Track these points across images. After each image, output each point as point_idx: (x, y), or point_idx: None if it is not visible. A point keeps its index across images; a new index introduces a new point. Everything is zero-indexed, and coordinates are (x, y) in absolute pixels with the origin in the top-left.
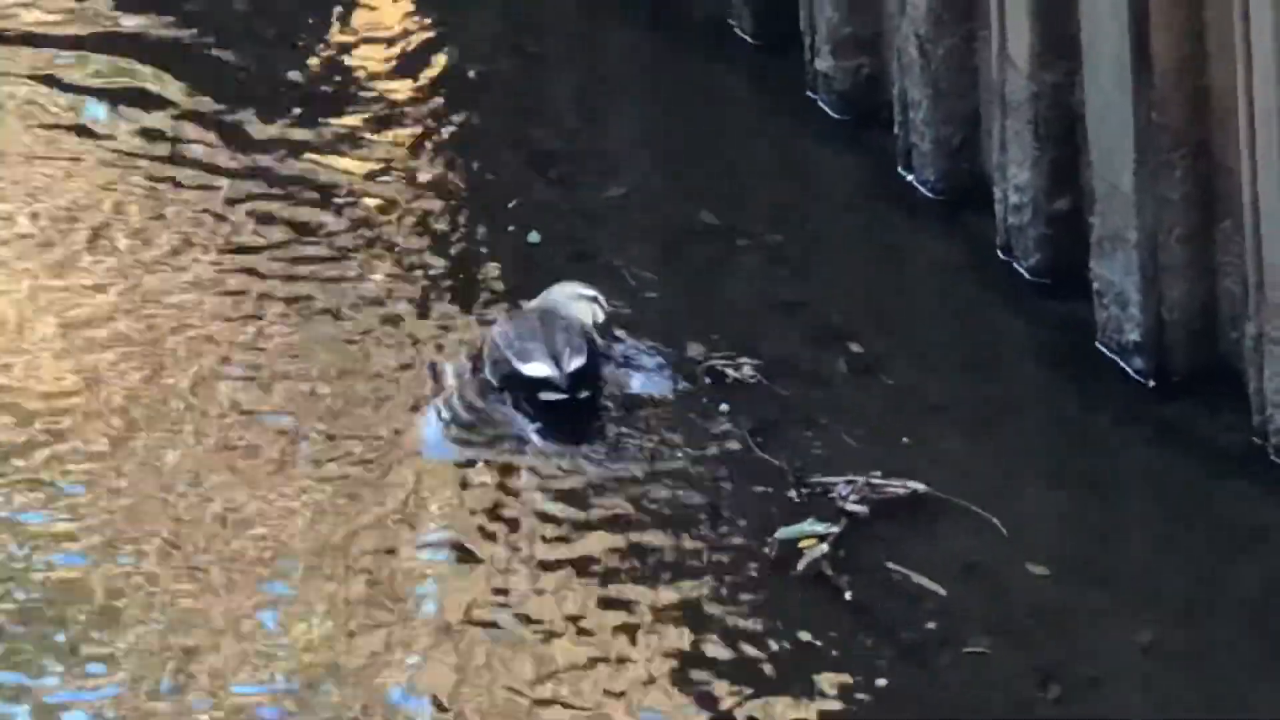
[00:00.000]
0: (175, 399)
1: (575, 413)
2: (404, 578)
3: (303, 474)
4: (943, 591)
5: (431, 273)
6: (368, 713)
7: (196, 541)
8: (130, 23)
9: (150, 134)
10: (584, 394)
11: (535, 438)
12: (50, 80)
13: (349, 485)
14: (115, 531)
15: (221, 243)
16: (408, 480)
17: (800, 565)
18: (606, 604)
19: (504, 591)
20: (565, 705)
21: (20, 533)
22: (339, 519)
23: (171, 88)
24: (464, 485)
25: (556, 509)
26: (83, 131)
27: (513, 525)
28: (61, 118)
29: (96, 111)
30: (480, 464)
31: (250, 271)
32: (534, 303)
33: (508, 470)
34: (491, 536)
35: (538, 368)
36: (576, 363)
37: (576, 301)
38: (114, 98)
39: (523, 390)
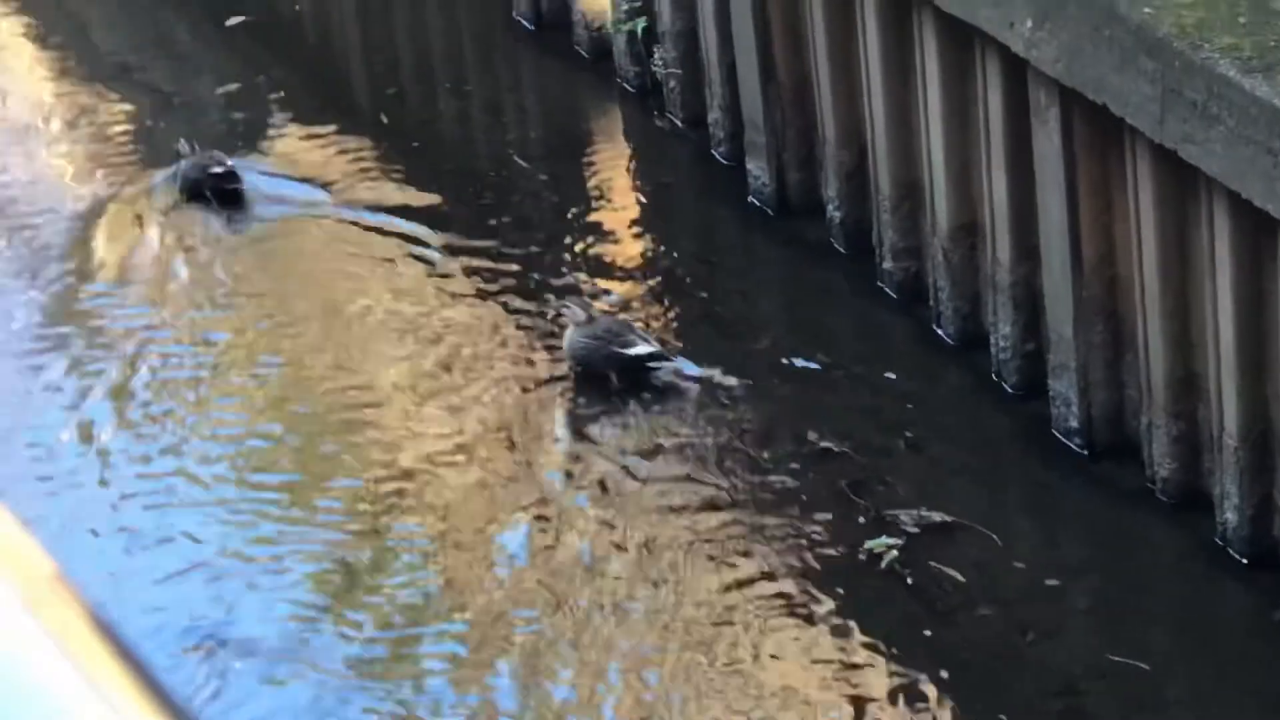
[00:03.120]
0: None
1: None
2: None
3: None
4: (962, 578)
5: None
6: None
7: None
8: None
9: None
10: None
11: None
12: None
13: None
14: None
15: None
16: None
17: (882, 563)
18: (735, 591)
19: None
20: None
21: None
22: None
23: None
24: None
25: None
26: None
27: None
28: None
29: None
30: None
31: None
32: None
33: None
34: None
35: (643, 348)
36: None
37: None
38: None
39: (630, 371)
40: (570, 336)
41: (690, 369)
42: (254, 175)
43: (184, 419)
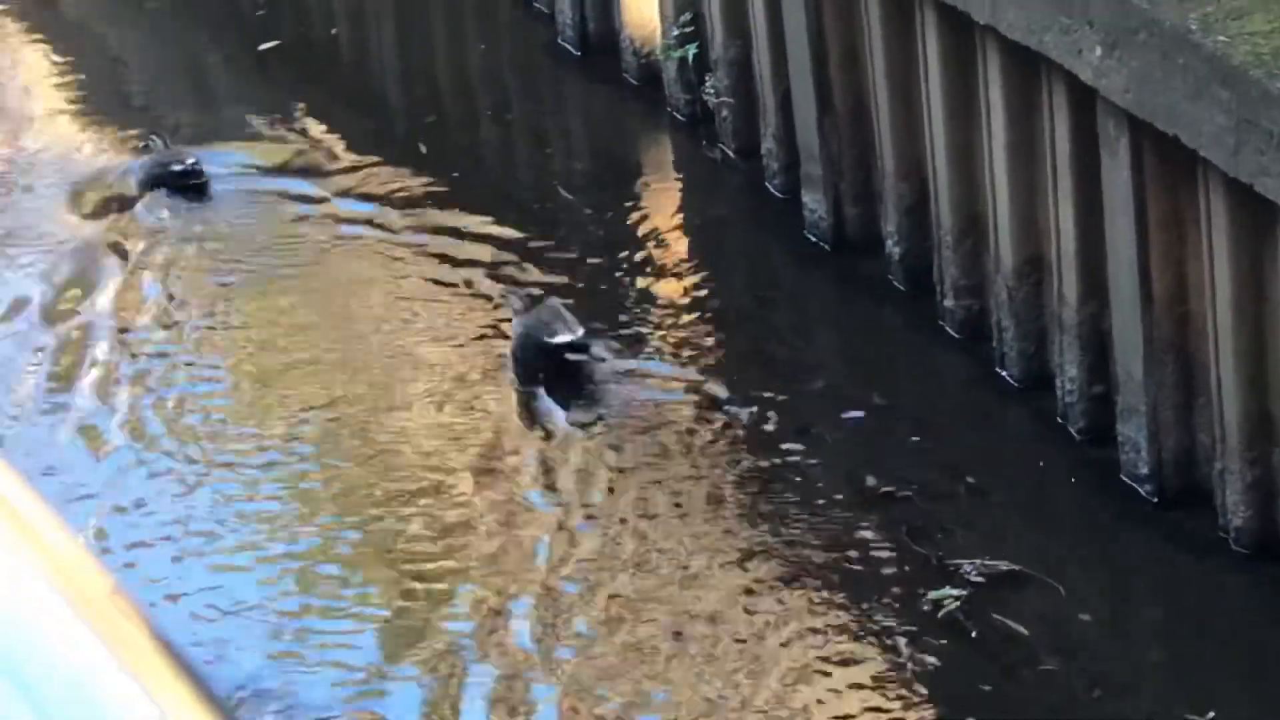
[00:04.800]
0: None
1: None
2: None
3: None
4: (1026, 631)
5: None
6: None
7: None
8: None
9: None
10: (594, 350)
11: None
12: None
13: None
14: None
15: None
16: None
17: (941, 614)
18: (790, 642)
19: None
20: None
21: None
22: None
23: None
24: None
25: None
26: None
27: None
28: None
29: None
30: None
31: None
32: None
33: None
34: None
35: (563, 336)
36: (580, 330)
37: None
38: None
39: (549, 357)
40: (513, 328)
41: (617, 359)
42: (284, 202)
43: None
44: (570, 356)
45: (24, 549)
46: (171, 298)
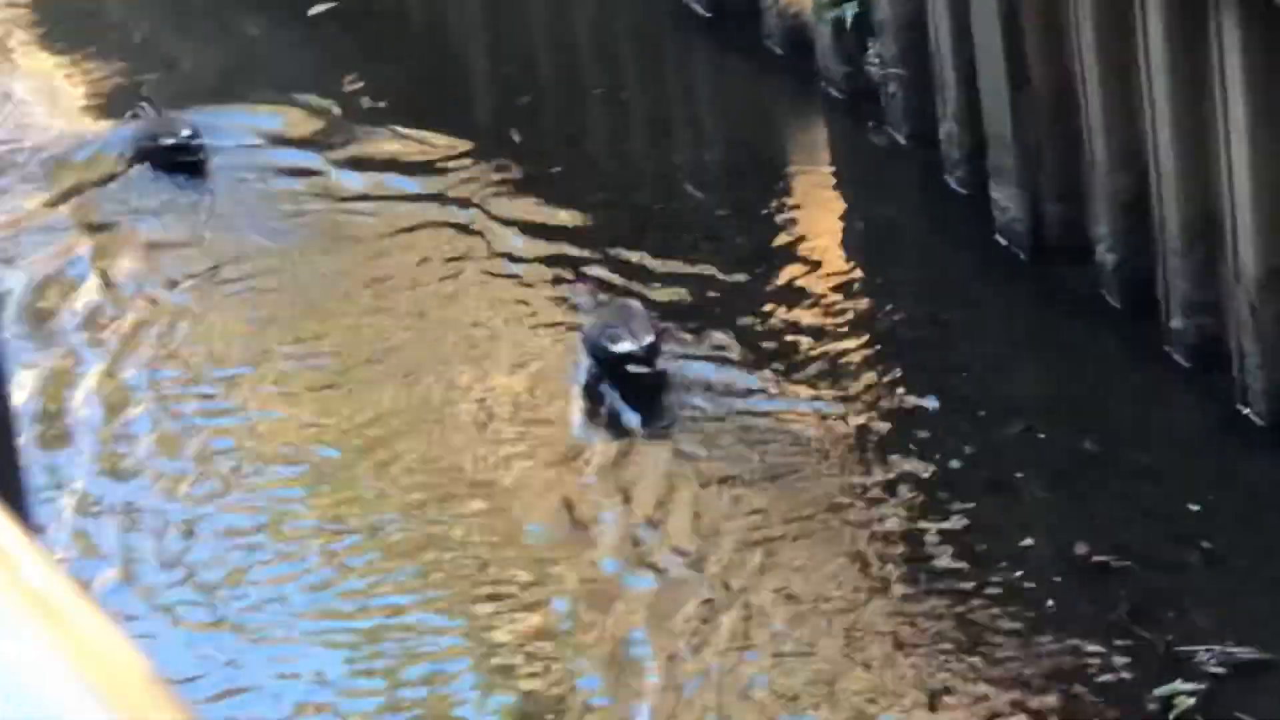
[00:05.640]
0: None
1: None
2: None
3: None
4: None
5: None
6: None
7: None
8: None
9: None
10: (660, 366)
11: None
12: None
13: None
14: None
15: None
16: None
17: (1172, 715)
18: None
19: None
20: None
21: None
22: None
23: None
24: None
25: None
26: None
27: None
28: None
29: None
30: None
31: None
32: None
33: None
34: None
35: (625, 345)
36: (648, 339)
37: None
38: None
39: (615, 364)
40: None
41: (750, 394)
42: (314, 196)
43: None
44: (633, 370)
45: (49, 631)
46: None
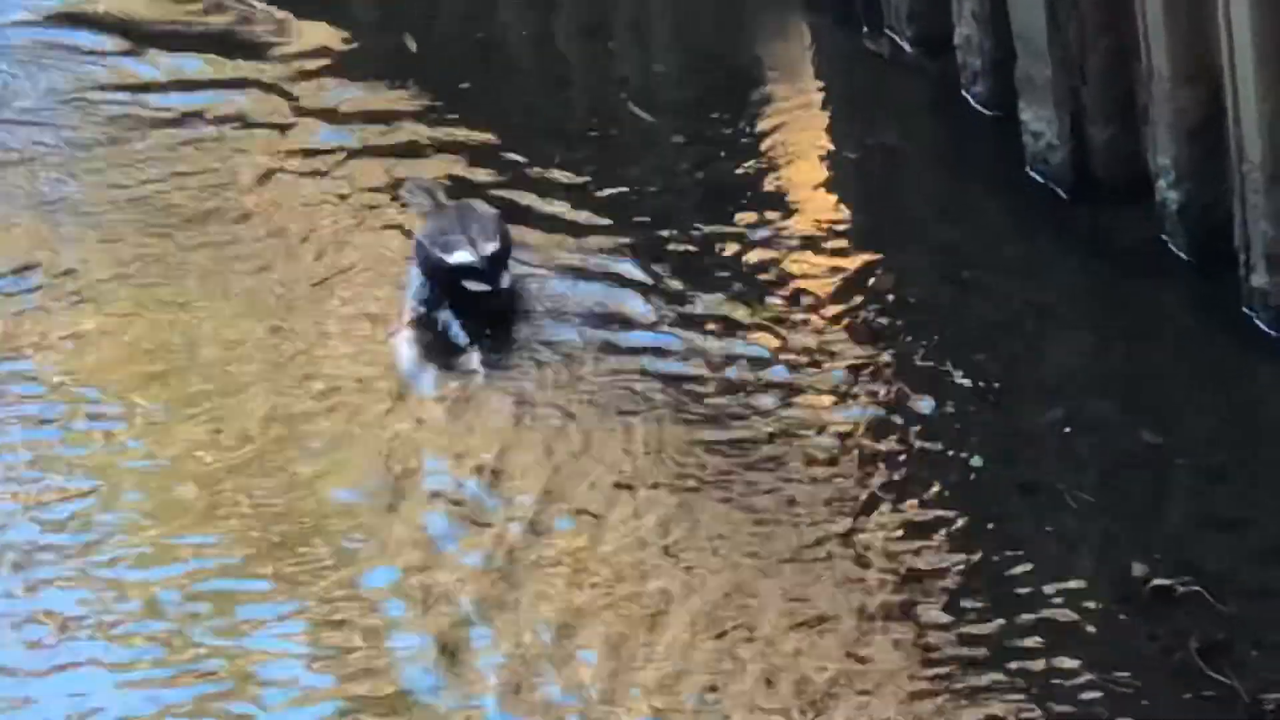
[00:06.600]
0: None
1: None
2: None
3: None
4: None
5: None
6: None
7: None
8: None
9: None
10: (504, 283)
11: None
12: None
13: None
14: None
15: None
16: None
17: None
18: None
19: None
20: None
21: None
22: None
23: None
24: None
25: None
26: None
27: None
28: None
29: None
30: None
31: None
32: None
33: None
34: None
35: (461, 256)
36: (491, 247)
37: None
38: None
39: (449, 280)
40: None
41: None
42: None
43: None
44: (472, 287)
45: None
46: None
